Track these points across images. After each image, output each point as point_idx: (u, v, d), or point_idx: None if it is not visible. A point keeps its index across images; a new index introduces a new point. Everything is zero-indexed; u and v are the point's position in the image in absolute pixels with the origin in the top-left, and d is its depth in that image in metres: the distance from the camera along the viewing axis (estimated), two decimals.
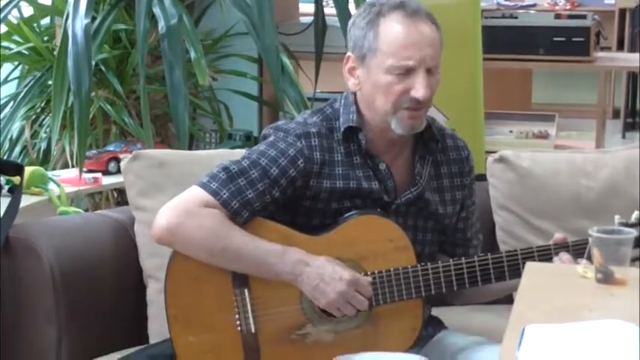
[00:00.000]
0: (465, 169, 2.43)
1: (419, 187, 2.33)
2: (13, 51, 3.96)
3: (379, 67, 2.24)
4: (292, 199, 2.29)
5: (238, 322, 2.26)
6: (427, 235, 2.38)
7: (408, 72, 2.22)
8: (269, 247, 2.24)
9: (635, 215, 2.21)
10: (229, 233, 2.23)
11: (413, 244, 2.30)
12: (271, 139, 2.32)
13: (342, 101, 2.34)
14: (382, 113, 2.27)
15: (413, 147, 2.36)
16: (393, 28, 2.24)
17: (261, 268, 2.24)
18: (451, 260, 2.28)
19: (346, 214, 2.29)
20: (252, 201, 2.25)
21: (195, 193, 2.26)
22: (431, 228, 2.38)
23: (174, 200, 2.27)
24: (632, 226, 2.17)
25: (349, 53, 2.31)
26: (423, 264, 2.27)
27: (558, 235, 2.32)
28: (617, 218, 2.18)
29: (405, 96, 2.23)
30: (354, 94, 2.33)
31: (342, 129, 2.30)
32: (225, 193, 2.24)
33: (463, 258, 2.29)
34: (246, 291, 2.26)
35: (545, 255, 2.29)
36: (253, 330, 2.26)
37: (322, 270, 2.22)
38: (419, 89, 2.22)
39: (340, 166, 2.30)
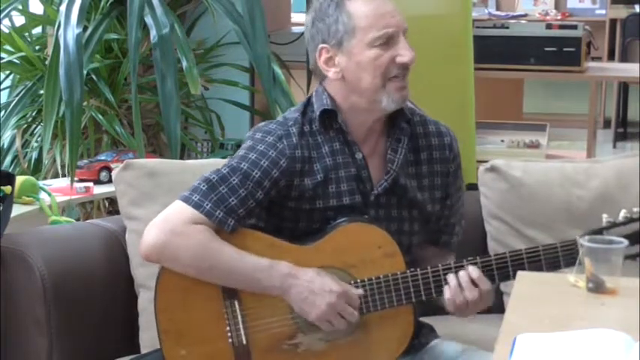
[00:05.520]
0: (446, 154, 2.41)
1: (392, 173, 2.33)
2: (4, 60, 3.95)
3: (361, 45, 2.27)
4: (277, 201, 2.29)
5: (229, 334, 2.26)
6: (414, 225, 2.37)
7: (388, 40, 2.26)
8: (256, 262, 2.23)
9: (622, 214, 2.21)
10: (216, 250, 2.23)
11: (400, 236, 2.31)
12: (251, 142, 2.32)
13: (314, 94, 2.36)
14: (371, 91, 2.28)
15: (387, 135, 2.36)
16: (363, 4, 2.28)
17: (249, 283, 2.24)
18: (440, 265, 2.28)
19: (334, 222, 2.29)
20: (236, 207, 2.24)
21: (179, 209, 2.25)
22: (416, 217, 2.37)
23: (160, 217, 2.27)
24: (619, 224, 2.17)
25: (321, 45, 2.31)
26: (412, 270, 2.27)
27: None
28: (604, 217, 2.19)
29: (392, 65, 2.27)
30: (324, 87, 2.33)
31: (317, 114, 2.31)
32: (207, 204, 2.23)
33: (452, 262, 2.29)
34: (236, 302, 2.26)
35: (533, 258, 2.28)
36: (245, 341, 2.26)
37: (311, 284, 2.21)
38: (404, 54, 2.27)
39: (319, 161, 2.29)
